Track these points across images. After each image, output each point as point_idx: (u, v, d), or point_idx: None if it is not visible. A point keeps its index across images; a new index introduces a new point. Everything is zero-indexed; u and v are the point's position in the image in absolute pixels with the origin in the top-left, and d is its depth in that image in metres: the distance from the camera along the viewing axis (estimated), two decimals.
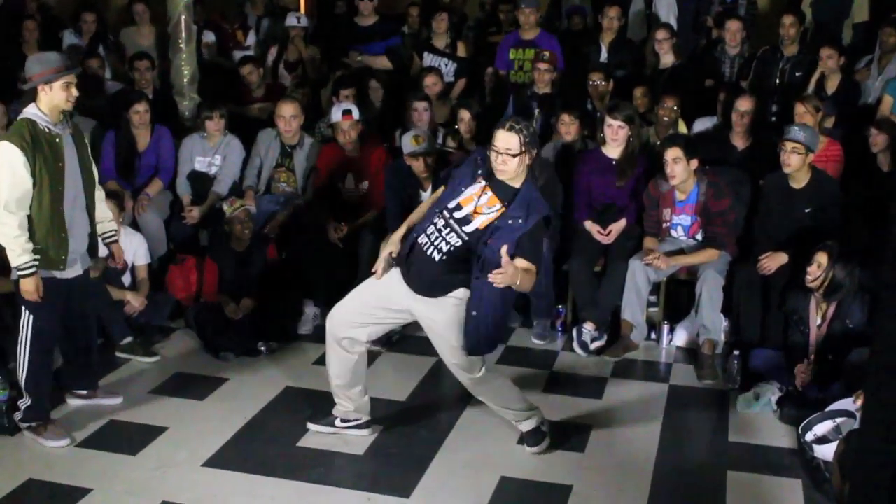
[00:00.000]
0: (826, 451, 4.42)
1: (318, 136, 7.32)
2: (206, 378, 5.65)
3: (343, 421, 4.90)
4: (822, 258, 5.22)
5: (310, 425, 4.95)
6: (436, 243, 4.33)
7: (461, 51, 8.58)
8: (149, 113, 7.02)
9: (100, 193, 5.02)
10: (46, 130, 4.57)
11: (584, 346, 6.05)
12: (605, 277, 6.17)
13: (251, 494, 4.39)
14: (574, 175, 6.44)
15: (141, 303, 6.22)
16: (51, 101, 4.58)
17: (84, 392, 5.22)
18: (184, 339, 6.27)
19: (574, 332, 6.13)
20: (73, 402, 5.17)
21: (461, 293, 4.35)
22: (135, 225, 6.73)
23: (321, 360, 5.11)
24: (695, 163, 5.88)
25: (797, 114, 6.36)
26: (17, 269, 4.57)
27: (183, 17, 7.91)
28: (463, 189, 4.37)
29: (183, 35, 7.92)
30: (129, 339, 5.93)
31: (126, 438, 4.90)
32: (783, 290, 5.58)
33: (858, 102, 7.40)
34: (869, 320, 5.19)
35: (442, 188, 4.55)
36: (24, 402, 4.81)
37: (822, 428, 4.61)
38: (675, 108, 6.89)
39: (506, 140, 4.21)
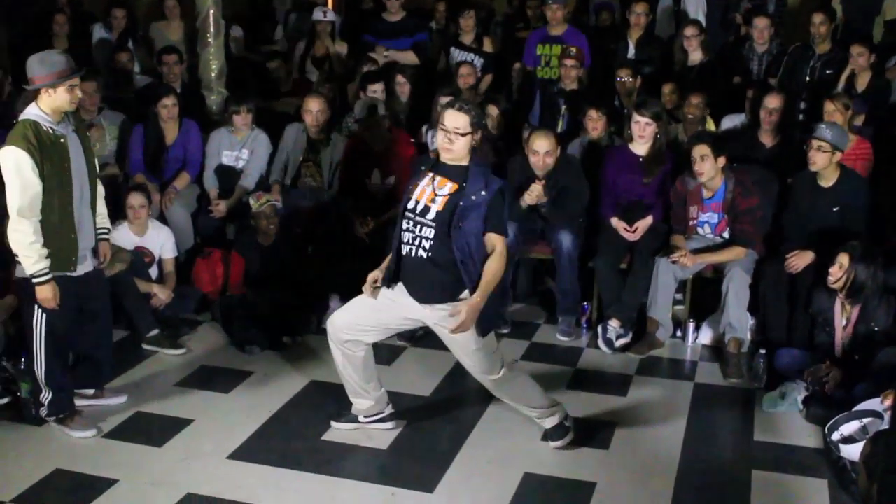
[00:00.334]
0: (853, 452, 4.38)
1: (345, 130, 7.34)
2: (232, 371, 5.68)
3: (366, 417, 4.91)
4: (843, 259, 5.18)
5: (333, 424, 4.96)
6: (416, 243, 4.36)
7: (488, 46, 8.57)
8: (177, 107, 7.06)
9: (100, 189, 4.93)
10: (50, 131, 4.48)
11: (609, 343, 6.03)
12: (630, 274, 6.15)
13: (275, 487, 4.41)
14: (600, 172, 6.43)
15: (168, 296, 6.26)
16: (54, 102, 4.49)
17: (90, 392, 5.16)
18: (210, 333, 6.30)
19: (599, 329, 6.12)
20: (77, 402, 5.04)
21: (466, 296, 4.35)
22: (162, 218, 6.78)
23: None
24: (722, 160, 5.85)
25: (826, 112, 6.31)
26: (33, 276, 4.51)
27: (211, 11, 7.95)
28: (414, 188, 4.42)
29: (211, 30, 7.96)
30: (155, 332, 5.97)
31: (152, 430, 4.93)
32: (809, 290, 5.55)
33: (889, 100, 7.33)
34: (895, 322, 5.16)
35: None
36: (46, 397, 4.83)
37: (849, 428, 4.58)
38: (703, 105, 6.87)
39: (455, 119, 4.27)
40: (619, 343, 6.05)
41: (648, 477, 4.55)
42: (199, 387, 5.49)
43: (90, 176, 4.75)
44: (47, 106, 4.50)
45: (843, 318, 5.31)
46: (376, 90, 7.33)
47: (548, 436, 4.79)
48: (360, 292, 4.64)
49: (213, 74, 8.05)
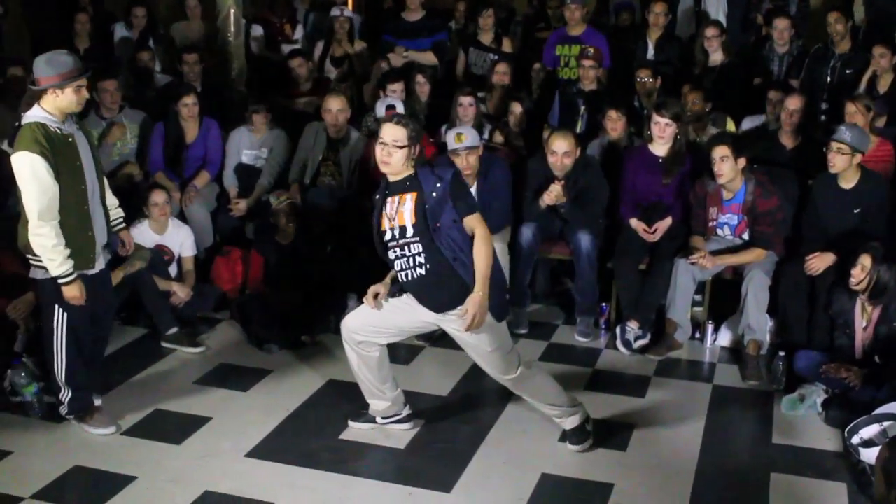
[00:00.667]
0: (872, 455, 4.35)
1: (365, 129, 7.35)
2: (250, 369, 5.70)
3: (383, 417, 4.93)
4: (865, 260, 5.15)
5: (351, 423, 4.98)
6: (410, 265, 4.38)
7: (507, 46, 8.57)
8: (197, 106, 7.09)
9: (106, 182, 4.92)
10: (59, 132, 4.46)
11: (627, 344, 6.02)
12: (649, 276, 6.14)
13: (293, 486, 4.42)
14: (620, 172, 6.41)
15: (187, 294, 6.29)
16: (60, 103, 4.45)
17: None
18: (228, 331, 6.33)
19: (618, 331, 6.11)
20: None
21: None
22: (182, 216, 6.81)
23: None
24: (742, 161, 5.83)
25: (848, 113, 6.27)
26: (59, 277, 4.51)
27: (232, 10, 7.98)
28: (380, 222, 4.43)
29: (231, 29, 7.98)
30: (174, 330, 6.00)
31: (171, 428, 4.96)
32: (829, 292, 5.52)
33: None
34: None
35: None
36: (66, 396, 4.86)
37: (869, 431, 4.55)
38: (701, 100, 6.89)
39: (393, 132, 4.30)
40: (637, 344, 6.04)
41: (666, 479, 4.54)
42: (217, 385, 5.51)
43: (97, 172, 4.76)
44: (53, 107, 4.46)
45: (864, 319, 5.28)
46: (396, 90, 7.34)
47: (567, 437, 4.79)
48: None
49: (233, 73, 8.07)
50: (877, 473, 4.09)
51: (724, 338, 6.16)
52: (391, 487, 4.43)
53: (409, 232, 4.34)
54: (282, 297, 6.16)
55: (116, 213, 5.02)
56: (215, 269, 6.70)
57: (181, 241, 6.48)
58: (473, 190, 6.04)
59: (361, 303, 5.01)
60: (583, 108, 7.39)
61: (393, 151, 4.31)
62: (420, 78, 7.83)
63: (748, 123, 7.15)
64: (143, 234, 6.28)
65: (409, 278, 4.40)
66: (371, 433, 4.90)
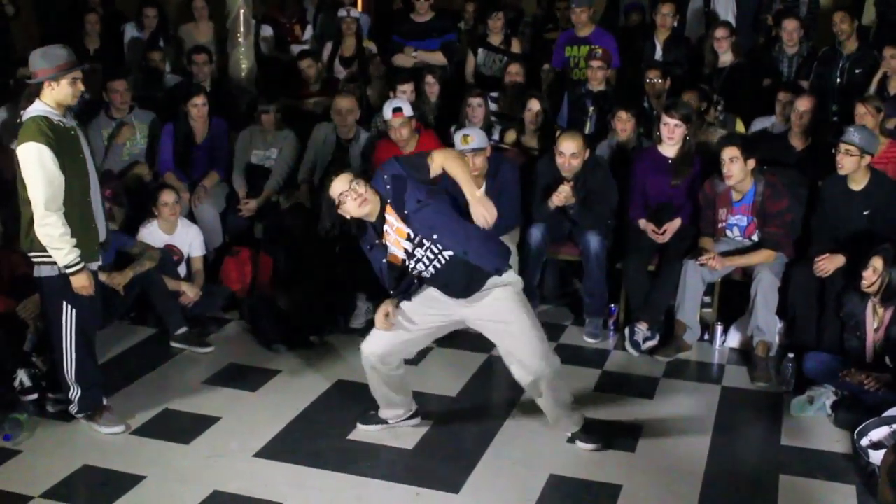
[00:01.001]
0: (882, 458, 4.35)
1: (374, 130, 7.35)
2: (259, 369, 5.71)
3: (393, 420, 4.94)
4: (877, 262, 5.13)
5: (360, 426, 4.98)
6: (433, 255, 4.35)
7: (516, 47, 8.55)
8: (206, 106, 7.11)
9: None
10: (61, 124, 4.49)
11: (636, 345, 6.01)
12: (659, 277, 6.13)
13: (301, 486, 4.43)
14: (629, 173, 6.41)
15: (196, 294, 6.30)
16: (57, 95, 4.47)
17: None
18: (237, 331, 6.34)
19: (626, 332, 6.10)
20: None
21: (493, 280, 4.38)
22: (191, 216, 6.82)
23: None
24: (752, 162, 5.82)
25: (858, 114, 6.25)
26: (67, 266, 4.52)
27: (241, 11, 7.99)
28: (394, 260, 4.43)
29: (241, 29, 8.00)
30: (183, 330, 6.01)
31: (179, 427, 4.97)
32: (839, 294, 5.50)
33: None
34: None
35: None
36: (76, 394, 4.86)
37: (879, 433, 4.54)
38: (696, 100, 6.82)
39: (358, 187, 4.31)
40: (646, 345, 6.03)
41: (675, 480, 4.53)
42: (226, 385, 5.52)
43: (95, 167, 4.78)
44: (51, 100, 4.48)
45: (875, 321, 5.26)
46: (406, 90, 7.34)
47: (576, 438, 4.79)
48: (387, 293, 4.65)
49: (242, 74, 8.08)
50: (882, 478, 4.08)
51: (734, 339, 6.15)
52: (399, 488, 4.43)
53: (417, 240, 4.34)
54: (291, 298, 6.17)
55: None
56: (224, 270, 6.71)
57: (190, 241, 6.50)
58: (482, 191, 6.02)
59: (370, 303, 5.03)
60: (591, 108, 7.38)
61: (362, 203, 4.31)
62: (430, 78, 7.82)
63: (759, 125, 7.13)
64: (153, 234, 6.30)
65: (436, 269, 4.37)
66: (379, 434, 4.91)
